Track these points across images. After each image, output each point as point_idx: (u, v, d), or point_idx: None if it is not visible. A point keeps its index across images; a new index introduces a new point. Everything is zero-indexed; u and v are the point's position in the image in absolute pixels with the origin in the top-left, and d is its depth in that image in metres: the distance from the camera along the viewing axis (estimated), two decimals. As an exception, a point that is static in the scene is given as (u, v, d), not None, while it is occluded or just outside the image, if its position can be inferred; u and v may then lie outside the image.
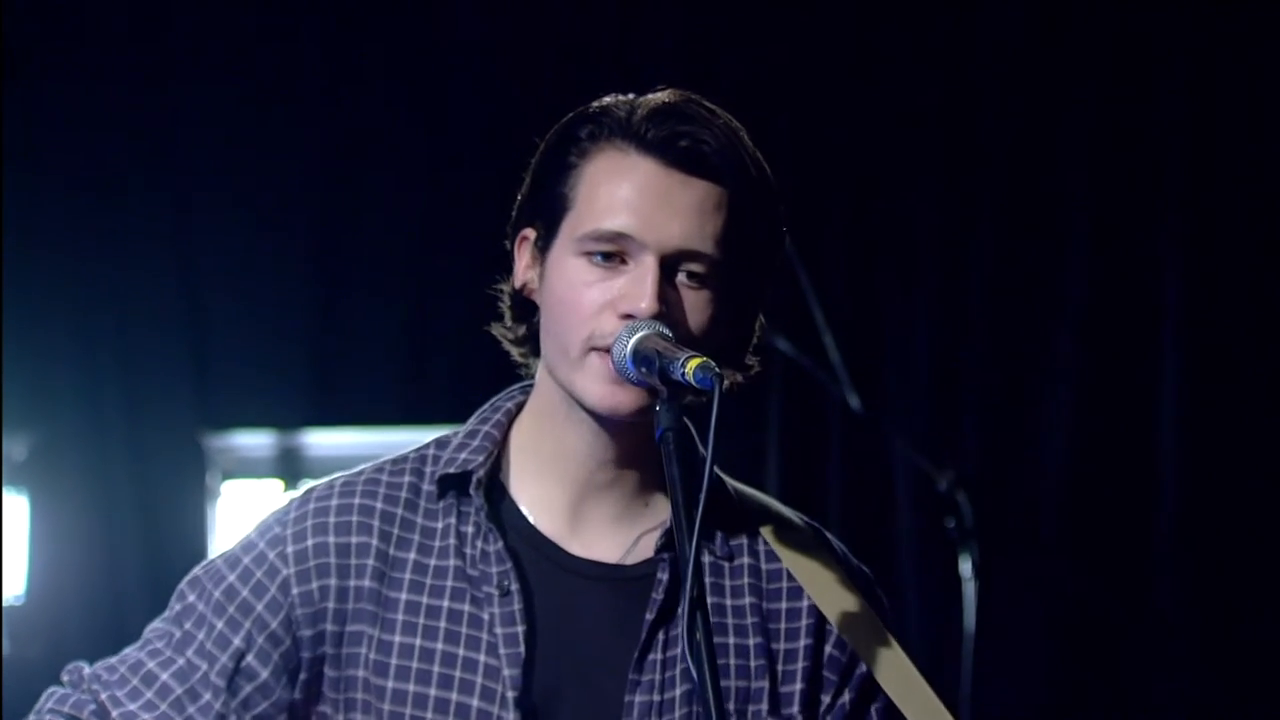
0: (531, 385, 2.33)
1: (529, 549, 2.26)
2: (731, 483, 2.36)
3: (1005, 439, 5.12)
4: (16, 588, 5.04)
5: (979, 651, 4.60)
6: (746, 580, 2.30)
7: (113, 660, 2.29)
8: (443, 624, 2.23)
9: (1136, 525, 5.04)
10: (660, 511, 2.27)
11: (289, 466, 5.10)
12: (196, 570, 2.32)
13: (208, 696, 2.24)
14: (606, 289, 2.18)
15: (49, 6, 5.18)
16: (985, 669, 4.70)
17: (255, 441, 5.16)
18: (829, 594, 2.28)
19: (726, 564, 2.30)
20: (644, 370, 2.12)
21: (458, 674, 2.21)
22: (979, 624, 4.60)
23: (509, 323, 2.32)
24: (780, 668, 2.27)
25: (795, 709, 2.27)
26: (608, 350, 2.17)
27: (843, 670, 2.30)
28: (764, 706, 2.26)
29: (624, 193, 2.19)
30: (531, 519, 2.28)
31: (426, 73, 5.29)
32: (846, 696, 2.30)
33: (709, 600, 2.23)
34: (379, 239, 5.29)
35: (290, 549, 2.26)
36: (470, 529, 2.26)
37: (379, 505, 2.27)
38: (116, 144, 5.20)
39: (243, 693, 2.24)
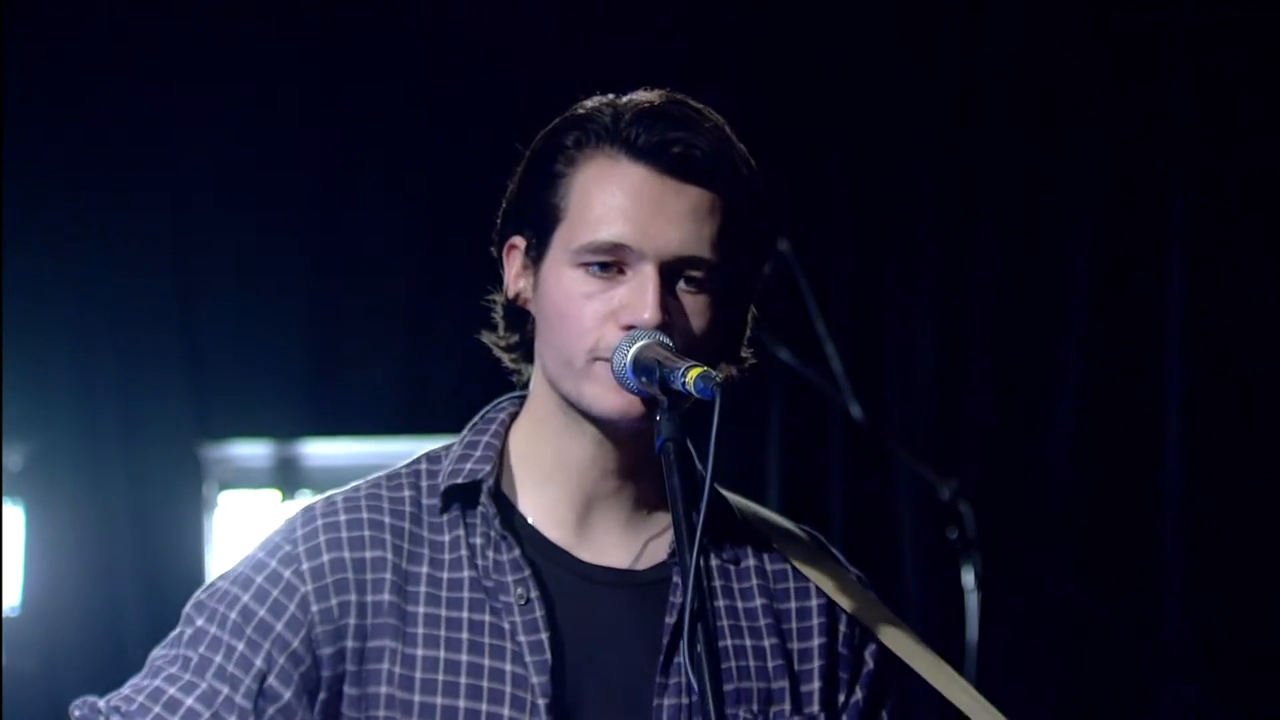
0: (521, 396, 2.33)
1: (541, 557, 2.25)
2: (732, 497, 2.36)
3: (1008, 448, 5.10)
4: (12, 599, 5.03)
5: (982, 662, 4.59)
6: (755, 582, 2.30)
7: (125, 691, 2.24)
8: (465, 635, 2.21)
9: (1141, 535, 5.01)
10: (666, 516, 2.24)
11: (286, 477, 5.09)
12: (199, 595, 2.27)
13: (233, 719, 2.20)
14: (607, 300, 2.18)
15: (49, 6, 5.17)
16: (988, 680, 4.67)
17: (252, 451, 5.15)
18: (841, 591, 2.30)
19: (733, 567, 2.30)
20: (644, 380, 2.12)
21: (486, 684, 2.19)
22: (982, 635, 4.58)
23: (502, 331, 2.31)
24: (798, 667, 2.27)
25: (816, 707, 2.28)
26: (609, 360, 2.16)
27: (852, 669, 2.31)
28: (786, 707, 2.26)
29: (617, 201, 2.18)
30: (539, 527, 2.27)
31: (425, 85, 5.28)
32: (859, 695, 2.32)
33: (720, 603, 2.25)
34: (376, 249, 5.28)
35: (306, 565, 2.22)
36: (480, 540, 2.24)
37: (387, 519, 2.25)
38: (114, 153, 5.19)
39: (266, 715, 2.20)
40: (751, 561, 2.30)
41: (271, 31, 5.25)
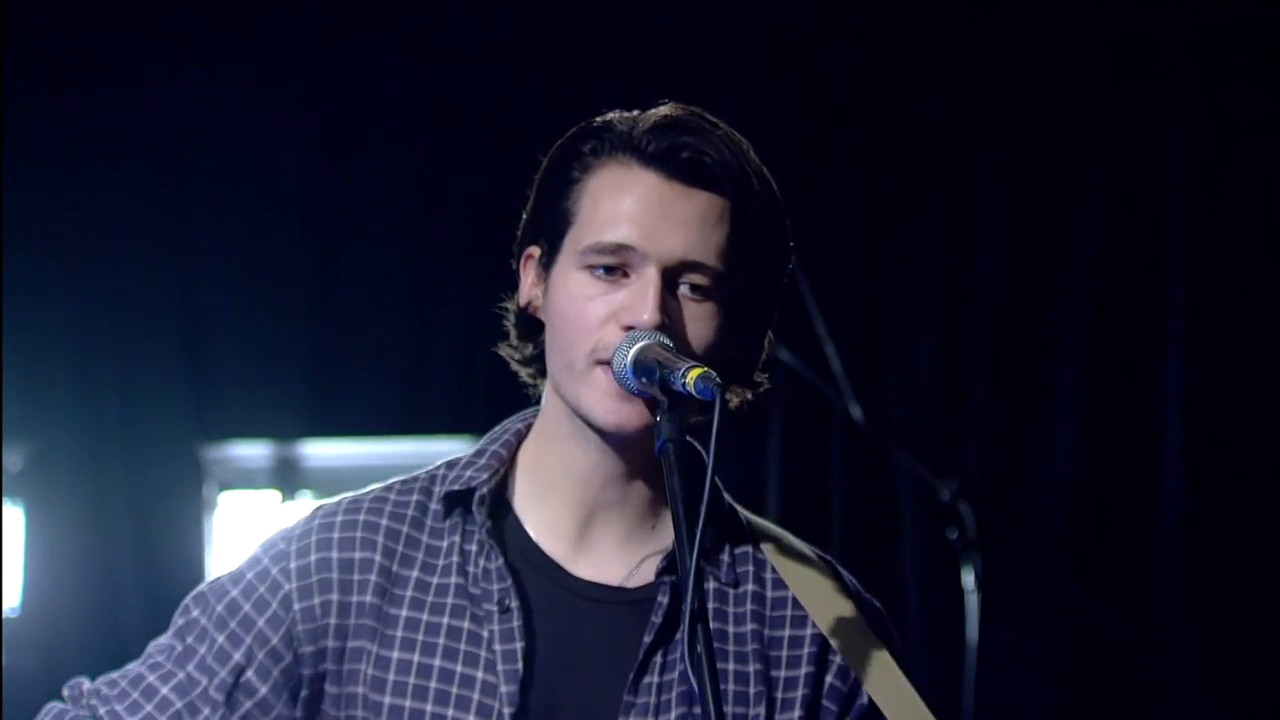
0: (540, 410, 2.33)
1: (530, 568, 2.25)
2: (744, 512, 2.35)
3: (1008, 449, 5.10)
4: (12, 599, 5.04)
5: (981, 663, 4.60)
6: (750, 608, 2.29)
7: (114, 675, 2.29)
8: (442, 640, 2.22)
9: (1141, 537, 5.01)
10: (666, 534, 2.26)
11: (286, 477, 5.09)
12: (201, 586, 2.32)
13: (206, 711, 2.24)
14: (609, 301, 2.18)
15: (49, 6, 5.17)
16: (988, 681, 4.69)
17: (252, 452, 5.15)
18: (836, 625, 2.27)
19: (731, 590, 2.29)
20: (644, 380, 2.12)
21: (455, 690, 2.20)
22: (981, 635, 4.58)
23: (515, 341, 2.32)
24: (779, 695, 2.26)
25: None
26: (610, 362, 2.16)
27: (843, 701, 2.29)
28: None
29: (626, 205, 2.19)
30: (536, 538, 2.27)
31: (427, 87, 5.28)
32: None
33: (710, 625, 2.21)
34: (377, 250, 5.28)
35: (293, 564, 2.25)
36: (474, 547, 2.25)
37: (384, 522, 2.27)
38: (114, 154, 5.19)
39: (241, 708, 2.24)
40: (751, 587, 2.29)
41: (274, 37, 5.26)
